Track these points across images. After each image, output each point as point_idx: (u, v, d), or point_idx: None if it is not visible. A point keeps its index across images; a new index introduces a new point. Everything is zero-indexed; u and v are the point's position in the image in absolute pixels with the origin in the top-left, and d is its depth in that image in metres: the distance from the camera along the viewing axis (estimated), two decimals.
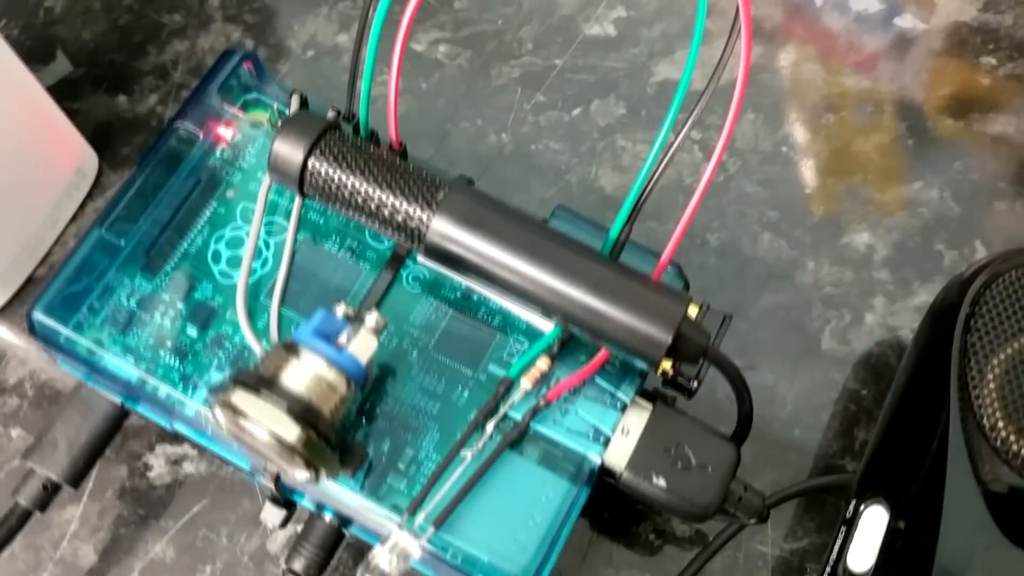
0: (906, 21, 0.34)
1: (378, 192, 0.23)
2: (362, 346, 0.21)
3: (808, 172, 0.32)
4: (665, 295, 0.22)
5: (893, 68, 0.33)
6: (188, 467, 0.28)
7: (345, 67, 0.33)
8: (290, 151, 0.23)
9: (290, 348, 0.21)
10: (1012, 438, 0.24)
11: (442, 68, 0.33)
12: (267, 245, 0.27)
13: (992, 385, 0.24)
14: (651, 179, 0.24)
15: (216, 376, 0.25)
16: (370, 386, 0.23)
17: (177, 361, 0.26)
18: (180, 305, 0.26)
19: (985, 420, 0.24)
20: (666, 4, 0.34)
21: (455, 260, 0.23)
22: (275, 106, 0.28)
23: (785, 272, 0.30)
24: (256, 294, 0.26)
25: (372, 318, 0.22)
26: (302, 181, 0.23)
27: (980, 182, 0.32)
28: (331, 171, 0.23)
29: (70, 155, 0.30)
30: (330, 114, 0.26)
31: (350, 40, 0.33)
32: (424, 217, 0.23)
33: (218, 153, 0.28)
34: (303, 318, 0.26)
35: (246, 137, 0.28)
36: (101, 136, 0.32)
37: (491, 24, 0.34)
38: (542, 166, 0.32)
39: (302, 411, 0.20)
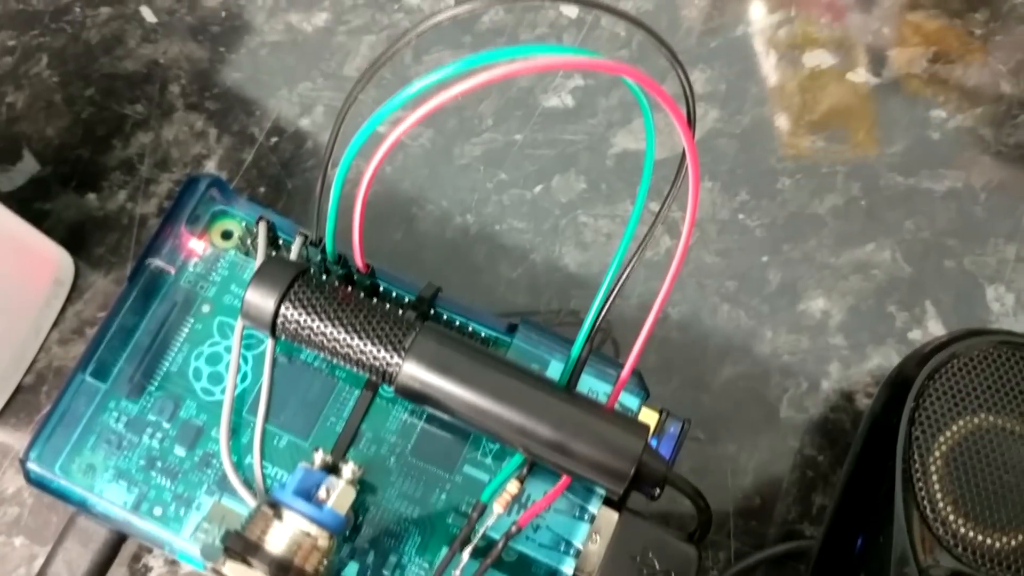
0: (858, 76, 0.35)
1: (349, 338, 0.24)
2: (341, 499, 0.23)
3: (765, 239, 0.33)
4: (624, 429, 0.23)
5: (844, 126, 0.34)
6: (186, 567, 0.30)
7: (309, 152, 0.34)
8: (261, 300, 0.24)
9: (274, 508, 0.22)
10: (953, 527, 0.25)
11: (405, 149, 0.34)
12: (245, 359, 0.28)
13: (935, 476, 0.26)
14: (608, 300, 0.25)
15: (206, 499, 0.27)
16: (351, 526, 0.25)
17: (168, 481, 0.27)
18: (167, 425, 0.27)
19: (928, 509, 0.26)
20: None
21: (425, 399, 0.24)
22: (243, 224, 0.29)
23: (744, 343, 0.32)
24: (239, 409, 0.28)
25: (349, 469, 0.23)
26: (274, 328, 0.24)
27: (930, 240, 0.33)
28: (302, 318, 0.24)
29: (46, 269, 0.31)
30: (297, 240, 0.27)
31: (312, 124, 0.34)
32: (394, 361, 0.24)
33: (191, 268, 0.29)
34: (284, 432, 0.27)
35: (217, 248, 0.29)
36: (74, 237, 0.33)
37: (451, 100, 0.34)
38: (507, 246, 0.33)
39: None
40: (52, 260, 0.31)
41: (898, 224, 0.33)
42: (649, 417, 0.26)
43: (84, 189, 0.33)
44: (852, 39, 0.35)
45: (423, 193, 0.33)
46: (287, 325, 0.24)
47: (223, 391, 0.28)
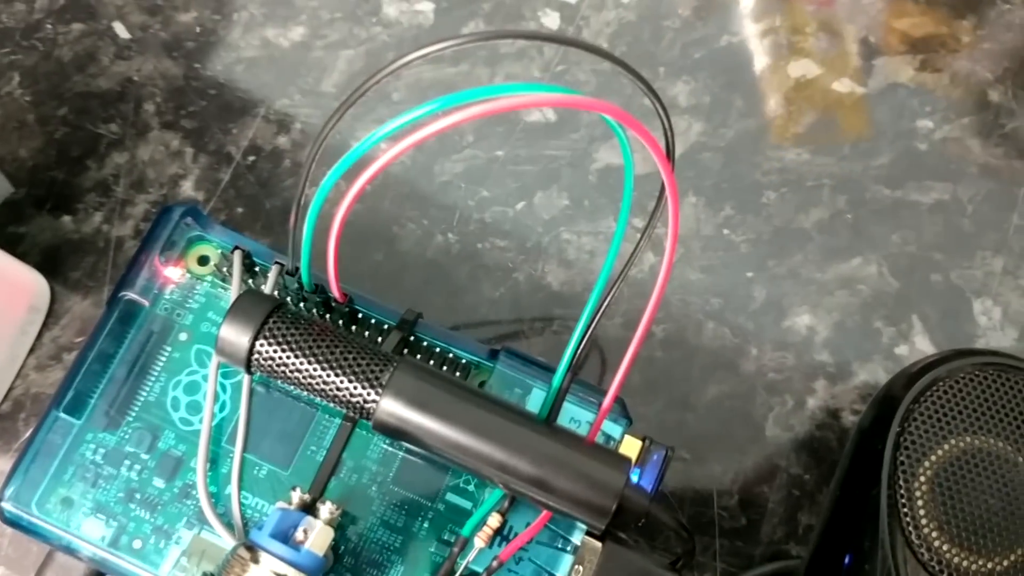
0: (843, 85, 0.34)
1: (325, 374, 0.24)
2: (319, 540, 0.22)
3: (750, 255, 0.33)
4: (605, 464, 0.23)
5: (830, 138, 0.34)
6: None
7: (287, 171, 0.33)
8: (236, 337, 0.24)
9: (251, 551, 0.22)
10: (938, 552, 0.25)
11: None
12: (223, 388, 0.28)
13: (920, 501, 0.26)
14: (586, 333, 0.25)
15: (186, 532, 0.26)
16: (330, 566, 0.25)
17: (147, 514, 0.27)
18: (145, 457, 0.27)
19: (913, 535, 0.25)
20: (604, 83, 0.34)
21: (403, 435, 0.24)
22: (220, 251, 0.28)
23: (730, 361, 0.31)
24: (218, 439, 0.27)
25: (327, 509, 0.23)
26: (249, 365, 0.24)
27: (916, 254, 0.32)
28: (278, 355, 0.24)
29: (21, 295, 0.30)
30: (273, 271, 0.27)
31: (290, 142, 0.33)
32: (371, 398, 0.23)
33: (167, 295, 0.28)
34: (263, 462, 0.27)
35: (194, 275, 0.28)
36: (49, 260, 0.32)
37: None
38: (489, 265, 0.32)
39: None
40: (27, 286, 0.31)
41: (884, 238, 0.33)
42: (632, 445, 0.26)
43: (59, 211, 0.33)
44: (838, 48, 0.34)
45: (404, 212, 0.33)
46: (262, 362, 0.24)
47: (202, 421, 0.27)
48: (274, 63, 0.34)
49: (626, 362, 0.25)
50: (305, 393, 0.25)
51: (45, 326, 0.32)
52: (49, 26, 0.34)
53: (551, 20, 0.35)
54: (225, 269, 0.28)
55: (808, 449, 0.31)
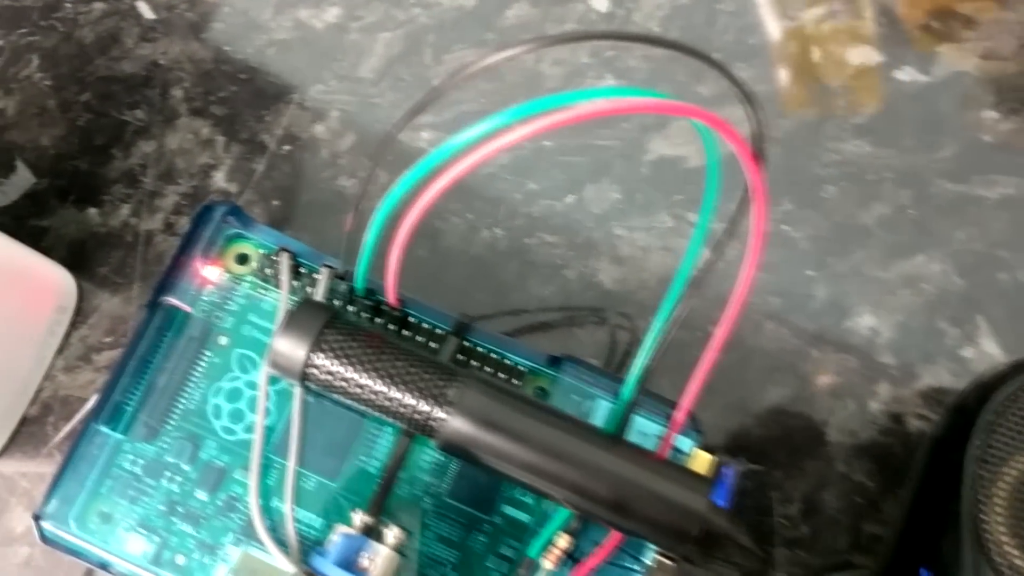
0: (905, 74, 0.33)
1: (387, 390, 0.22)
2: (385, 568, 0.21)
3: (810, 252, 0.31)
4: (685, 485, 0.22)
5: (893, 129, 0.32)
6: None
7: (325, 162, 0.31)
8: (291, 349, 0.22)
9: None
10: (1020, 572, 0.24)
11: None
12: (267, 395, 0.26)
13: (1001, 518, 0.25)
14: (659, 343, 0.24)
15: (232, 548, 0.25)
16: None
17: (190, 528, 0.25)
18: (186, 468, 0.26)
19: (995, 552, 0.24)
20: (657, 70, 0.32)
21: (470, 456, 0.22)
22: (261, 250, 0.27)
23: (789, 363, 0.30)
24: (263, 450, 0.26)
25: (392, 534, 0.21)
26: (304, 378, 0.23)
27: (982, 252, 0.31)
28: (336, 368, 0.22)
29: (48, 295, 0.29)
30: (324, 275, 0.25)
31: (327, 130, 0.32)
32: (437, 415, 0.22)
33: (205, 297, 0.27)
34: (310, 473, 0.25)
35: (232, 275, 0.27)
36: (75, 256, 0.30)
37: (474, 103, 0.32)
38: (537, 262, 0.31)
39: None
40: (54, 285, 0.29)
41: (948, 234, 0.31)
42: (703, 461, 0.25)
43: (84, 204, 0.31)
44: (899, 34, 0.33)
45: (447, 205, 0.31)
46: (319, 376, 0.22)
47: (245, 429, 0.26)
48: (308, 46, 0.32)
49: (700, 372, 0.24)
50: (363, 410, 0.23)
51: (72, 325, 0.30)
52: (69, 5, 0.32)
53: (600, 2, 0.33)
54: (267, 270, 0.27)
55: (871, 455, 0.30)
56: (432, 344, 0.26)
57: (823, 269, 0.31)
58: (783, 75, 0.33)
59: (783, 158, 0.32)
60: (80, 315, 0.30)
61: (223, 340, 0.27)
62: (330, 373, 0.22)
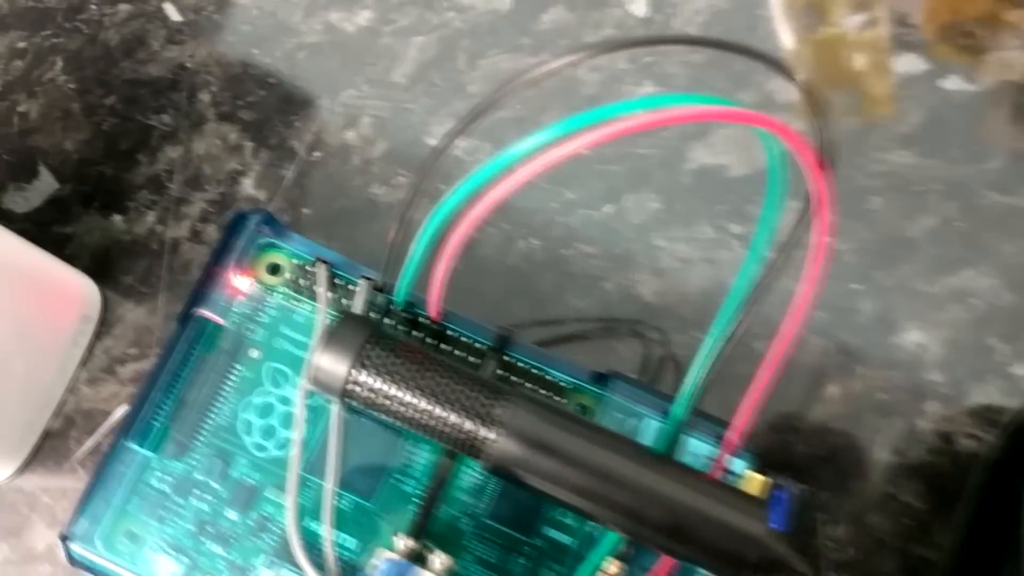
0: (952, 83, 0.32)
1: (432, 408, 0.21)
2: None
3: (855, 265, 0.30)
4: (743, 510, 0.21)
5: (939, 139, 0.31)
6: None
7: (356, 169, 0.31)
8: (332, 365, 0.21)
9: None
10: None
11: (462, 165, 0.31)
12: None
13: None
14: (713, 362, 0.23)
15: (265, 572, 0.24)
16: None
17: (221, 549, 0.24)
18: (216, 486, 0.25)
19: None
20: (696, 76, 0.32)
21: (516, 478, 0.21)
22: (294, 260, 0.26)
23: (835, 379, 0.29)
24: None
25: (438, 560, 0.21)
26: (346, 395, 0.22)
27: None
28: (378, 386, 0.21)
29: (72, 304, 0.28)
30: (362, 287, 0.24)
31: (358, 137, 0.31)
32: (482, 435, 0.21)
33: (236, 309, 0.26)
34: (345, 492, 0.25)
35: (264, 285, 0.26)
36: (100, 264, 0.30)
37: (510, 110, 0.31)
38: (575, 273, 0.30)
39: None
40: (78, 294, 0.28)
41: (997, 248, 0.30)
42: (756, 482, 0.24)
43: (108, 210, 0.30)
44: (944, 42, 0.32)
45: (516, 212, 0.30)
46: (361, 393, 0.21)
47: (277, 446, 0.25)
48: (339, 50, 0.31)
49: (754, 391, 0.23)
50: (405, 427, 0.22)
51: (96, 336, 0.29)
52: (94, 7, 0.31)
53: (637, 7, 0.32)
54: (300, 281, 0.26)
55: (920, 475, 0.29)
56: (472, 359, 0.25)
57: (869, 283, 0.30)
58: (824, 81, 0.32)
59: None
60: (104, 325, 0.29)
61: (254, 353, 0.26)
62: (372, 390, 0.21)
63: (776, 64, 0.18)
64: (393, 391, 0.21)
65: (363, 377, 0.21)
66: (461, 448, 0.22)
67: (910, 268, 0.30)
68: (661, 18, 0.32)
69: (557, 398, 0.25)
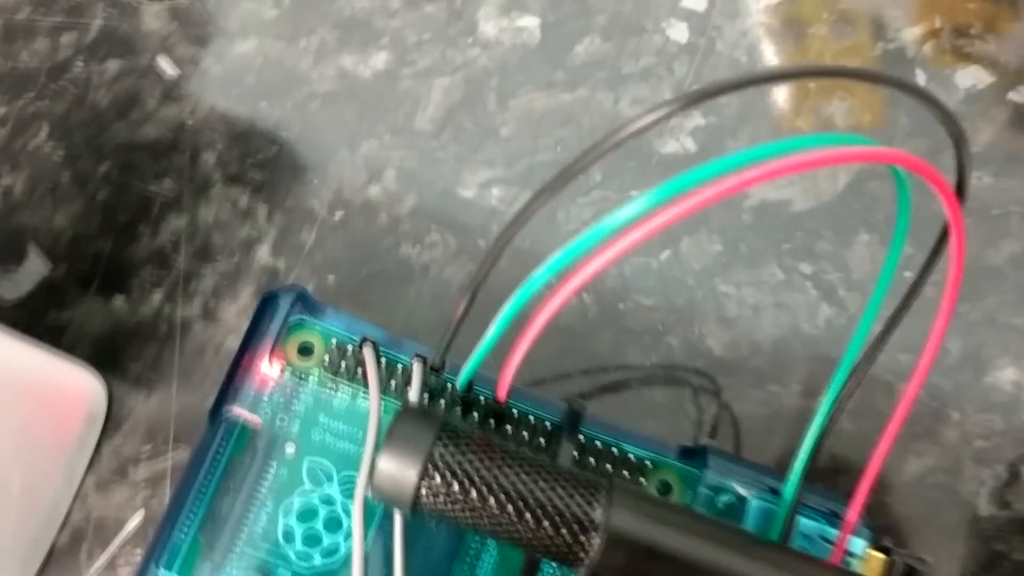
0: (1020, 95, 0.29)
1: (516, 515, 0.18)
2: None
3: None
4: None
5: (1014, 157, 0.29)
6: None
7: (384, 228, 0.28)
8: (399, 471, 0.18)
9: None
10: None
11: (499, 217, 0.28)
12: (347, 511, 0.22)
13: None
14: (826, 432, 0.20)
15: None
16: None
17: None
18: None
19: None
20: (749, 104, 0.29)
21: None
22: (330, 339, 0.23)
23: (929, 428, 0.27)
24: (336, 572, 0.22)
25: None
26: (417, 507, 0.18)
27: None
28: (453, 491, 0.18)
29: (76, 405, 0.25)
30: (417, 369, 0.21)
31: (383, 192, 0.28)
32: (581, 541, 0.18)
33: (266, 399, 0.23)
34: None
35: (296, 371, 0.23)
36: (102, 353, 0.26)
37: (548, 152, 0.28)
38: (635, 329, 0.27)
39: None
40: (81, 390, 0.25)
41: None
42: (876, 561, 0.21)
43: (109, 291, 0.27)
44: (1009, 52, 0.30)
45: (527, 271, 0.27)
46: (432, 504, 0.18)
47: (324, 554, 0.22)
48: (355, 97, 0.28)
49: (874, 463, 0.20)
50: (485, 535, 0.19)
51: (104, 434, 0.26)
52: (80, 65, 0.28)
53: (678, 32, 0.29)
54: (343, 362, 0.23)
55: None
56: (540, 440, 0.22)
57: (955, 319, 0.27)
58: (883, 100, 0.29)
59: (894, 193, 0.28)
60: (112, 421, 0.26)
61: (290, 449, 0.23)
62: (448, 497, 0.18)
63: (928, 97, 0.16)
64: (472, 496, 0.18)
65: (436, 483, 0.18)
66: (553, 556, 0.19)
67: (997, 299, 0.28)
68: (705, 43, 0.29)
69: (642, 480, 0.22)
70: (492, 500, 0.18)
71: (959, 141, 0.17)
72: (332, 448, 0.23)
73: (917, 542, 0.26)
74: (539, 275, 0.17)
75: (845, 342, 0.27)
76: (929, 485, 0.26)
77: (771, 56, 0.29)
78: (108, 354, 0.26)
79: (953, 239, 0.18)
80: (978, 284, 0.28)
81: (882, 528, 0.26)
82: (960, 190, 0.17)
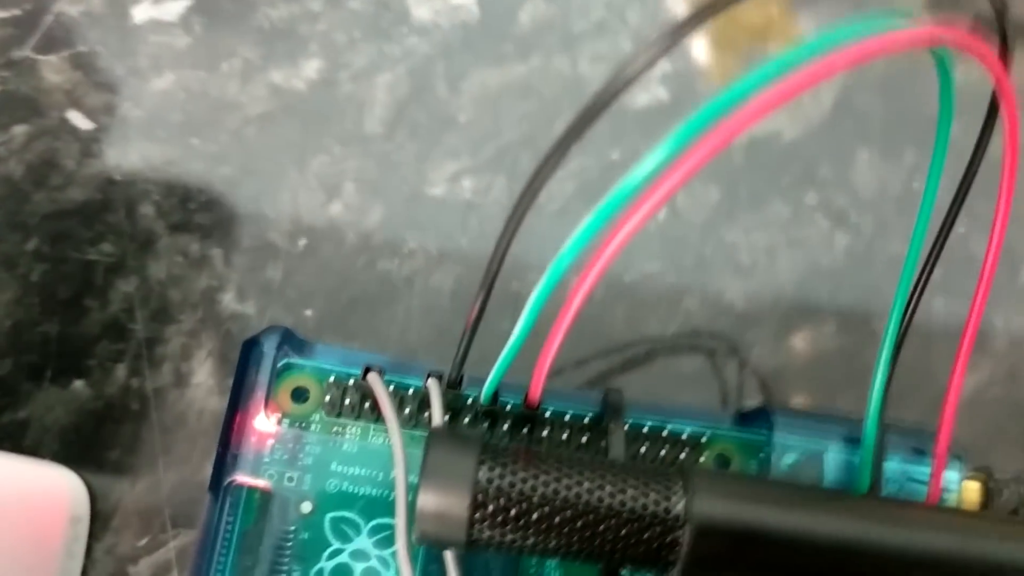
0: None
1: (586, 527, 0.16)
2: None
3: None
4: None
5: None
6: None
7: (357, 247, 0.25)
8: (444, 508, 0.16)
9: None
10: None
11: (476, 209, 0.25)
12: (386, 563, 0.20)
13: None
14: (892, 365, 0.18)
15: None
16: None
17: None
18: None
19: None
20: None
21: None
22: (324, 378, 0.20)
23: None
24: None
25: None
26: (472, 543, 0.16)
27: None
28: (511, 516, 0.16)
29: (55, 511, 0.22)
30: (435, 390, 0.19)
31: (346, 208, 0.25)
32: (666, 542, 0.16)
33: (268, 457, 0.20)
34: None
35: (295, 420, 0.20)
36: (71, 446, 0.23)
37: (513, 130, 0.26)
38: (648, 300, 0.25)
39: None
40: (58, 494, 0.22)
41: None
42: (972, 491, 0.19)
43: (65, 377, 0.24)
44: None
45: (519, 260, 0.25)
46: (487, 536, 0.16)
47: None
48: (294, 113, 0.26)
49: (954, 387, 0.18)
50: (551, 557, 0.17)
51: (92, 535, 0.23)
52: None
53: None
54: (345, 401, 0.20)
55: None
56: (581, 438, 0.20)
57: (973, 220, 0.26)
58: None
59: (886, 105, 0.27)
60: (99, 520, 0.23)
61: (306, 507, 0.20)
62: (506, 526, 0.16)
63: None
64: (535, 518, 0.16)
65: (490, 511, 0.16)
66: (639, 562, 0.16)
67: None
68: None
69: (683, 454, 0.20)
70: (558, 518, 0.16)
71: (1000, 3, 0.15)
72: (353, 496, 0.20)
73: (990, 462, 0.24)
74: (565, 255, 0.14)
75: (868, 268, 0.26)
76: (988, 400, 0.25)
77: None
78: (79, 447, 0.23)
79: (1004, 114, 0.16)
80: (991, 176, 0.26)
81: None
82: (1004, 56, 0.16)
